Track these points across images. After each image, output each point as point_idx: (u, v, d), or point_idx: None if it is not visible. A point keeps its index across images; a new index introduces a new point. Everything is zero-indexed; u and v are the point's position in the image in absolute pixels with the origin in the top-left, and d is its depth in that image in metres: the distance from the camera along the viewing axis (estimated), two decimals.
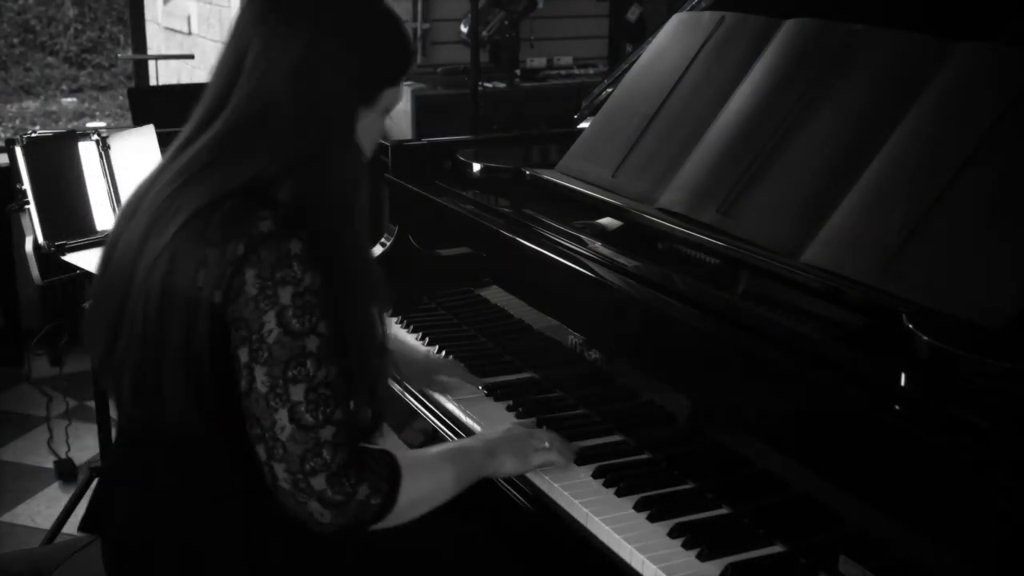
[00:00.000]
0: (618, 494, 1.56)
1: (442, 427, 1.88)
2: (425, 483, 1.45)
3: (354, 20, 1.42)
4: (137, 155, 2.88)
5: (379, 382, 1.47)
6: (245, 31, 1.42)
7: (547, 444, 1.62)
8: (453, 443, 1.61)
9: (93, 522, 1.58)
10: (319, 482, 1.32)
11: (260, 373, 1.32)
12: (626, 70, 2.22)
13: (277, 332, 1.32)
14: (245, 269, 1.32)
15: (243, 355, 1.33)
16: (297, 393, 1.32)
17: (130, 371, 1.40)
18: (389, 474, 1.39)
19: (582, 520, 1.53)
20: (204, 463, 1.44)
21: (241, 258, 1.32)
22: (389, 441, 1.58)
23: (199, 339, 1.34)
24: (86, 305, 1.53)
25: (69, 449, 3.38)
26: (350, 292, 1.40)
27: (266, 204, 1.36)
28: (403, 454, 1.45)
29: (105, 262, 1.47)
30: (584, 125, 2.34)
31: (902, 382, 1.30)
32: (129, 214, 1.45)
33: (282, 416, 1.32)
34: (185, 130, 1.45)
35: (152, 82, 5.41)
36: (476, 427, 1.81)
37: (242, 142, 1.40)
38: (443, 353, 2.09)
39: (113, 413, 1.65)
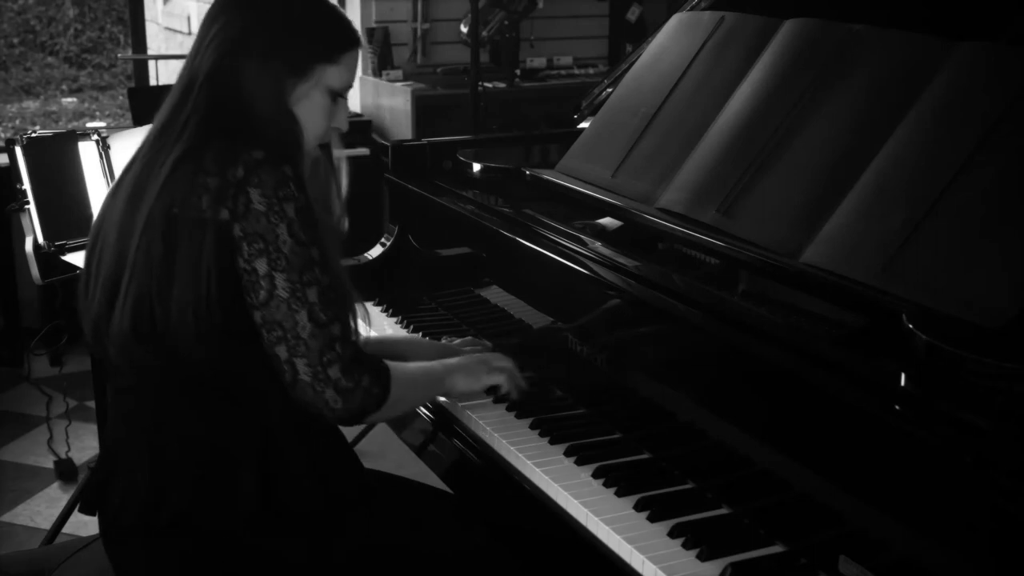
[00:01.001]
0: (618, 494, 1.56)
1: (442, 428, 1.88)
2: (404, 386, 1.63)
3: (286, 5, 1.62)
4: None
5: (346, 296, 1.59)
6: (207, 14, 1.63)
7: (499, 364, 1.81)
8: (421, 364, 1.79)
9: (92, 500, 1.63)
10: (335, 371, 1.50)
11: (280, 280, 1.48)
12: (626, 70, 2.22)
13: (291, 242, 1.48)
14: (248, 189, 1.46)
15: (261, 266, 1.47)
16: (312, 295, 1.49)
17: (133, 308, 1.50)
18: (383, 369, 1.57)
19: (582, 520, 1.53)
20: (214, 388, 1.53)
21: (242, 179, 1.46)
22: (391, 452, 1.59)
23: (207, 255, 1.46)
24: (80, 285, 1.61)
25: (69, 449, 3.38)
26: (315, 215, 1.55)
27: (248, 141, 1.51)
28: (385, 360, 1.62)
29: (93, 239, 1.60)
30: (584, 125, 2.34)
31: (902, 382, 1.31)
32: (113, 192, 1.60)
33: (302, 316, 1.48)
34: (160, 111, 1.61)
35: (152, 82, 5.41)
36: (478, 430, 1.81)
37: (200, 109, 1.56)
38: None
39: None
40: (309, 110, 1.61)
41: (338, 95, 1.65)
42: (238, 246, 1.47)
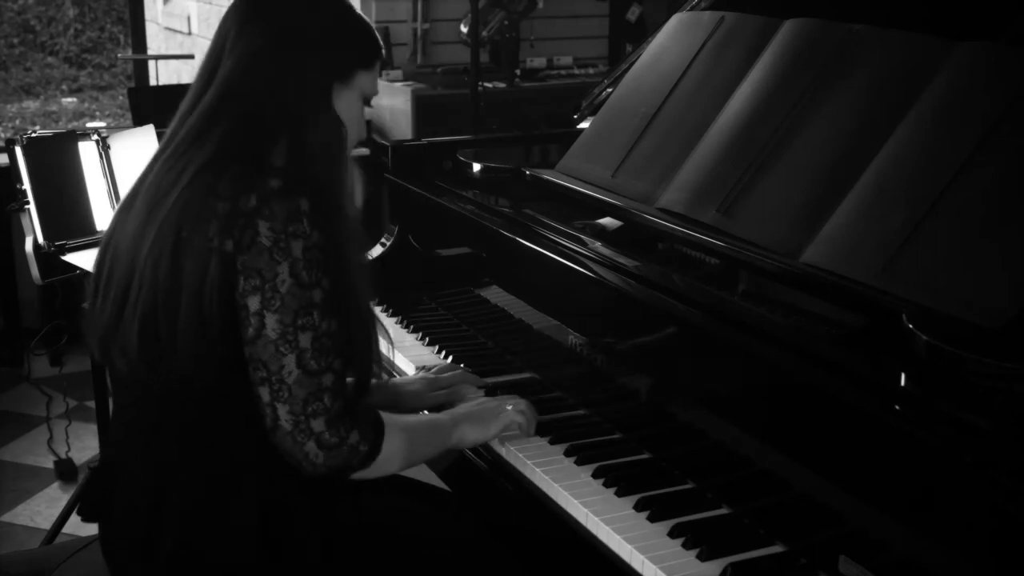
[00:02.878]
0: (618, 494, 1.56)
1: None
2: (402, 442, 1.55)
3: (322, 11, 1.58)
4: (137, 155, 2.88)
5: (365, 344, 1.55)
6: (226, 20, 1.56)
7: (509, 407, 1.71)
8: (427, 417, 1.74)
9: (93, 510, 1.60)
10: (319, 424, 1.43)
11: (271, 320, 1.42)
12: (626, 70, 2.22)
13: (289, 283, 1.42)
14: (258, 221, 1.41)
15: (253, 303, 1.42)
16: (305, 340, 1.43)
17: (139, 325, 1.46)
18: (376, 425, 1.50)
19: (582, 520, 1.53)
20: (216, 418, 1.49)
21: (253, 210, 1.41)
22: None
23: (210, 284, 1.42)
24: (87, 304, 1.56)
25: (69, 449, 3.38)
26: (342, 253, 1.49)
27: (269, 166, 1.47)
28: (384, 414, 1.55)
29: (104, 249, 1.56)
30: (584, 125, 2.34)
31: (902, 382, 1.31)
32: (128, 203, 1.55)
33: (290, 361, 1.42)
34: (176, 118, 1.55)
35: (152, 82, 5.42)
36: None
37: (229, 110, 1.51)
38: (443, 354, 2.09)
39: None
40: (348, 114, 1.59)
41: (366, 102, 1.64)
42: (236, 279, 1.42)
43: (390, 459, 1.53)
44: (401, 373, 2.05)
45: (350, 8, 1.64)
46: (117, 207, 1.60)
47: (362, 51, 1.61)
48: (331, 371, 1.44)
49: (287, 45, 1.53)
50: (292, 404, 1.42)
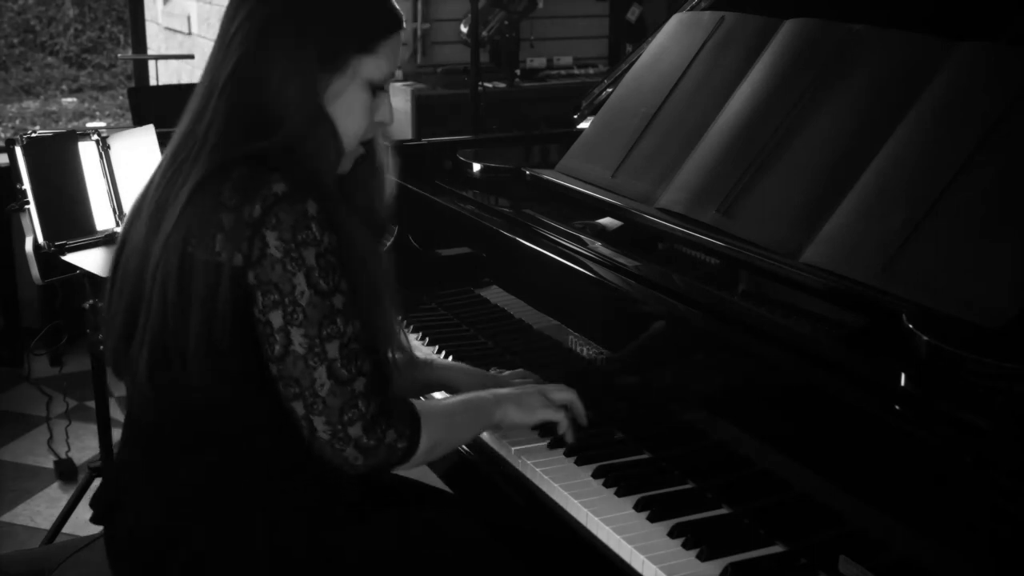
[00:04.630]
0: (618, 494, 1.56)
1: None
2: (441, 429, 1.52)
3: None
4: (137, 155, 2.88)
5: (388, 335, 1.51)
6: (226, 10, 1.49)
7: (557, 396, 1.67)
8: (465, 396, 1.66)
9: (103, 513, 1.58)
10: (356, 430, 1.41)
11: (297, 335, 1.38)
12: (626, 70, 2.22)
13: (309, 293, 1.37)
14: (264, 231, 1.36)
15: (276, 319, 1.38)
16: (332, 350, 1.39)
17: (149, 344, 1.42)
18: (411, 420, 1.47)
19: (582, 520, 1.53)
20: (226, 434, 1.47)
21: (259, 220, 1.36)
22: None
23: (221, 302, 1.38)
24: (87, 305, 1.54)
25: (69, 449, 3.38)
26: (356, 250, 1.45)
27: (272, 168, 1.39)
28: (419, 403, 1.52)
29: (116, 259, 1.51)
30: (584, 125, 2.34)
31: (902, 382, 1.31)
32: (135, 212, 1.51)
33: (321, 374, 1.39)
34: (182, 119, 1.50)
35: (152, 82, 5.42)
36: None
37: (212, 118, 1.44)
38: (443, 354, 2.09)
39: (115, 413, 1.64)
40: (346, 108, 1.47)
41: (379, 88, 1.50)
42: (252, 295, 1.38)
43: (432, 449, 1.51)
44: None
45: None
46: (129, 210, 1.55)
47: (357, 31, 1.46)
48: (362, 375, 1.41)
49: (267, 33, 1.44)
50: (328, 415, 1.40)
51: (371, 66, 1.48)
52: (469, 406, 1.63)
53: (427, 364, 1.84)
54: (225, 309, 1.38)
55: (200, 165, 1.41)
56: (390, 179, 1.62)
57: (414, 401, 1.52)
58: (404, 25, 1.52)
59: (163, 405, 1.47)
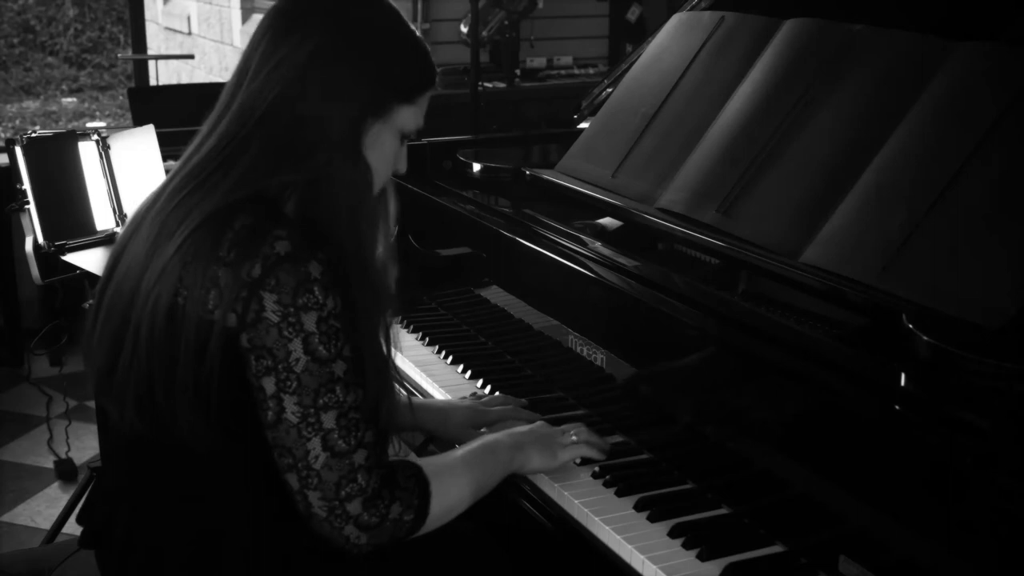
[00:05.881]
0: (618, 494, 1.56)
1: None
2: (454, 490, 1.45)
3: (366, 29, 1.41)
4: (137, 155, 2.88)
5: (385, 397, 1.44)
6: (256, 35, 1.41)
7: (575, 438, 1.60)
8: (479, 441, 1.56)
9: (92, 538, 1.54)
10: (355, 507, 1.32)
11: (290, 403, 1.30)
12: (626, 70, 2.22)
13: (305, 360, 1.29)
14: (263, 293, 1.28)
15: (269, 385, 1.30)
16: (329, 420, 1.30)
17: (134, 387, 1.36)
18: (419, 490, 1.39)
19: (582, 520, 1.53)
20: (215, 476, 1.40)
21: (258, 280, 1.28)
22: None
23: (210, 362, 1.30)
24: (87, 304, 1.52)
25: (69, 449, 3.38)
26: (364, 312, 1.37)
27: (278, 220, 1.33)
28: (429, 462, 1.44)
29: (108, 275, 1.44)
30: (584, 125, 2.34)
31: (902, 382, 1.31)
32: (134, 227, 1.43)
33: (315, 445, 1.30)
34: (196, 137, 1.43)
35: (152, 82, 5.42)
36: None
37: (245, 147, 1.37)
38: (443, 354, 2.09)
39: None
40: (380, 154, 1.42)
41: (405, 137, 1.47)
42: (246, 358, 1.29)
43: (445, 513, 1.43)
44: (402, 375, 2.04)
45: (404, 26, 1.44)
46: (131, 217, 1.46)
47: (405, 81, 1.43)
48: (362, 446, 1.32)
49: (318, 68, 1.36)
50: (324, 490, 1.31)
51: (408, 116, 1.45)
52: (484, 455, 1.52)
53: (406, 407, 1.72)
54: (213, 367, 1.30)
55: (218, 194, 1.34)
56: (393, 213, 1.57)
57: (422, 463, 1.43)
58: (438, 82, 1.49)
59: (153, 438, 1.39)
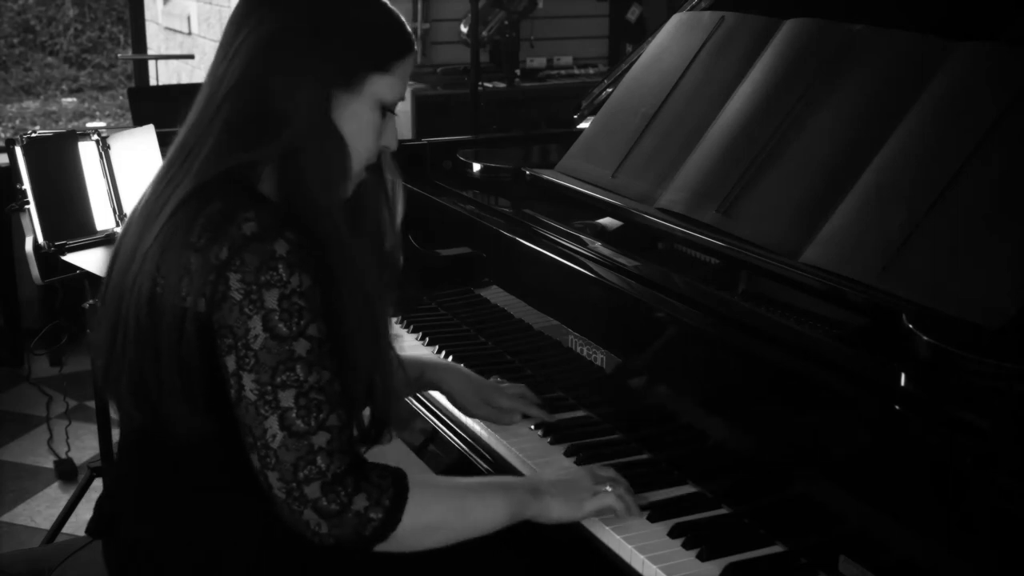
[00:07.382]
0: None
1: (442, 427, 1.88)
2: (437, 508, 1.38)
3: (328, 1, 1.40)
4: (137, 155, 2.88)
5: (378, 382, 1.43)
6: (232, 17, 1.42)
7: (609, 489, 1.48)
8: (494, 477, 1.52)
9: (100, 525, 1.55)
10: (313, 490, 1.29)
11: (248, 380, 1.29)
12: (626, 70, 2.22)
13: (263, 337, 1.28)
14: (228, 274, 1.28)
15: (230, 363, 1.29)
16: (287, 399, 1.29)
17: (127, 375, 1.38)
18: (394, 491, 1.34)
19: (582, 520, 1.53)
20: (214, 463, 1.41)
21: (224, 262, 1.28)
22: (391, 451, 1.56)
23: (188, 348, 1.31)
24: (87, 304, 1.53)
25: (69, 449, 3.38)
26: (340, 289, 1.36)
27: (250, 201, 1.33)
28: (422, 476, 1.40)
29: (108, 272, 1.46)
30: (584, 125, 2.34)
31: (902, 382, 1.31)
32: (129, 221, 1.45)
33: (272, 423, 1.29)
34: (179, 131, 1.44)
35: (152, 82, 5.42)
36: (477, 429, 1.81)
37: (211, 128, 1.37)
38: (443, 354, 2.09)
39: (115, 413, 1.62)
40: (356, 128, 1.40)
41: (388, 109, 1.44)
42: (215, 340, 1.30)
43: (427, 530, 1.36)
44: None
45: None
46: (123, 223, 1.49)
47: (375, 49, 1.40)
48: (324, 429, 1.29)
49: (279, 44, 1.36)
50: (282, 471, 1.28)
51: (385, 86, 1.42)
52: (493, 489, 1.45)
53: (418, 362, 1.78)
54: (191, 356, 1.31)
55: (189, 178, 1.35)
56: (400, 208, 1.54)
57: (412, 473, 1.38)
58: (416, 49, 1.48)
59: (150, 427, 1.41)
